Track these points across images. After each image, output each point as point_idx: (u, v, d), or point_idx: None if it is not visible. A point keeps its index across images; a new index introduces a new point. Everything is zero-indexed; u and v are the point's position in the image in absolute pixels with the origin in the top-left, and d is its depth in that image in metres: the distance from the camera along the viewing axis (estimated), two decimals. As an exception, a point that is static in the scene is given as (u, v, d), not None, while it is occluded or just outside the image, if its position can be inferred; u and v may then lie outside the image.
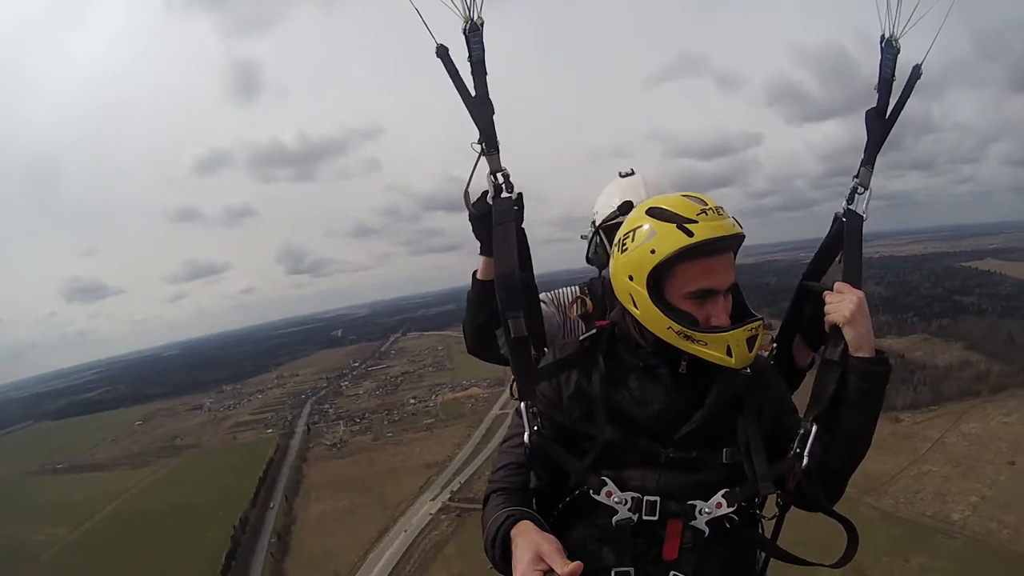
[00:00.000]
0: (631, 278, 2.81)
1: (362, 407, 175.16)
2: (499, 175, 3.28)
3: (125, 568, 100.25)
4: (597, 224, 4.32)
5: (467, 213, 3.46)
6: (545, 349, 3.46)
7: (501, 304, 3.12)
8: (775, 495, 2.88)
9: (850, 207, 3.35)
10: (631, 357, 3.00)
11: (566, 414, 2.98)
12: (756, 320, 2.80)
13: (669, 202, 2.78)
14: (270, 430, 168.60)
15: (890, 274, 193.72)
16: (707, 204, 2.73)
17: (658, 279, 2.76)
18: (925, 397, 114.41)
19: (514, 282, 3.14)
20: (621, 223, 3.49)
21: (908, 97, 3.45)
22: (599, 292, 4.25)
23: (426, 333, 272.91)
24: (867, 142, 3.40)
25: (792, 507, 2.99)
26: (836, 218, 3.42)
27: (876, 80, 3.44)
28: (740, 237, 2.78)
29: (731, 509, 2.73)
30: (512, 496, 2.96)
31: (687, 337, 2.72)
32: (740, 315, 2.87)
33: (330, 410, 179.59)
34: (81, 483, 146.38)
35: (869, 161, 3.37)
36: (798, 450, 2.89)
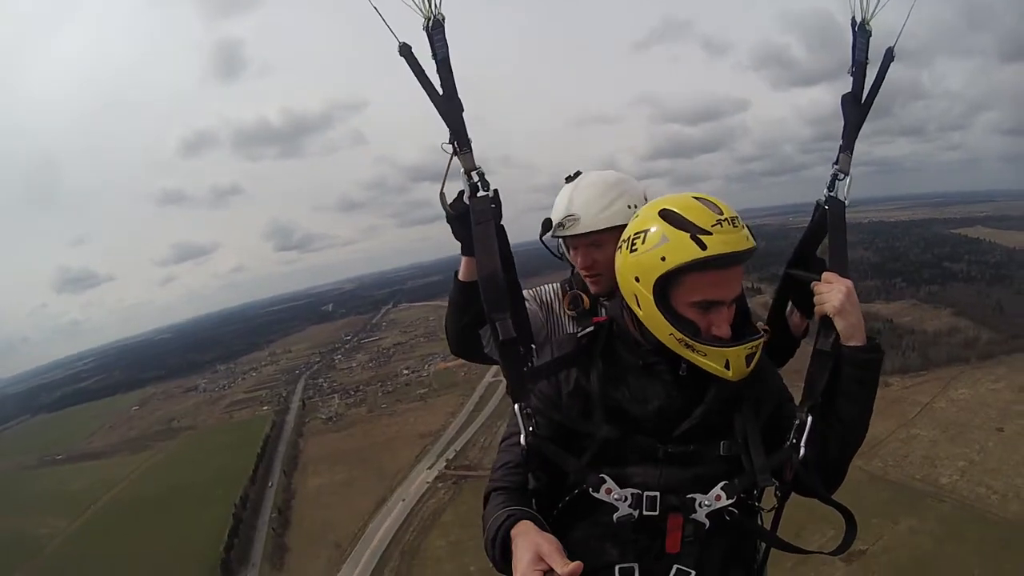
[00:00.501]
0: (637, 279, 2.81)
1: (356, 380, 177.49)
2: (474, 174, 3.25)
3: (129, 554, 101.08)
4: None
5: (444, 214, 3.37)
6: (532, 346, 3.53)
7: (487, 306, 3.10)
8: (774, 486, 2.93)
9: (832, 194, 3.33)
10: (630, 355, 3.02)
11: (565, 412, 3.01)
12: (758, 338, 2.83)
13: (684, 207, 2.75)
14: (265, 407, 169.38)
15: (878, 239, 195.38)
16: (723, 214, 2.71)
17: (665, 285, 2.76)
18: (914, 362, 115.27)
19: (499, 282, 3.12)
20: (571, 234, 3.96)
21: (883, 80, 3.43)
22: (578, 287, 4.26)
23: (416, 304, 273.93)
24: (844, 127, 3.39)
25: (791, 495, 3.01)
26: (818, 206, 3.39)
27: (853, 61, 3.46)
28: (752, 251, 2.76)
29: (730, 501, 2.76)
30: (512, 495, 2.97)
31: (687, 346, 2.75)
32: (742, 324, 2.92)
33: (324, 384, 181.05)
34: (80, 472, 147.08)
35: (848, 147, 3.36)
36: (794, 441, 2.90)
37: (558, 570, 2.32)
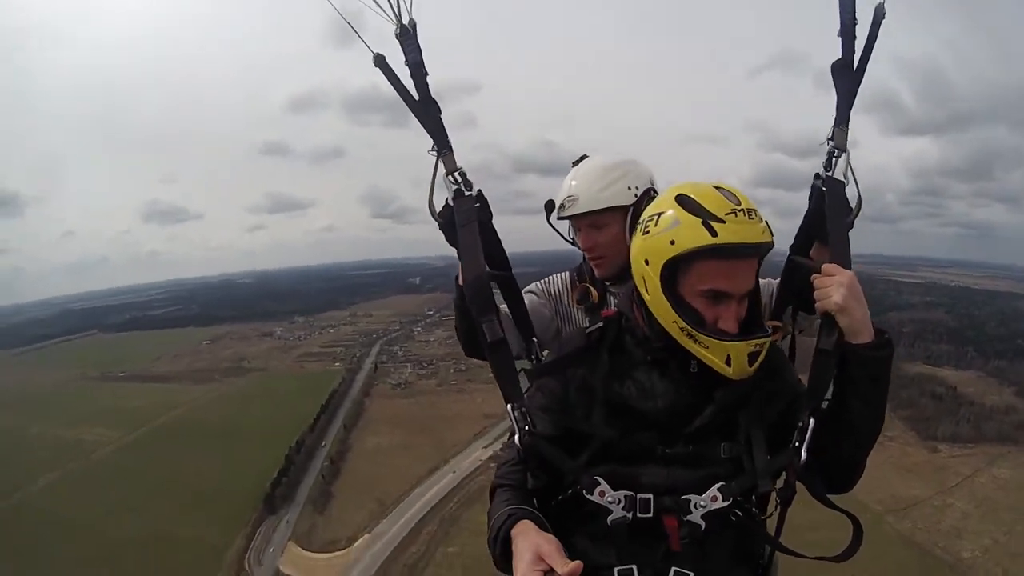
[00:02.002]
0: (647, 262, 2.66)
1: (431, 353, 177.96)
2: (456, 175, 3.21)
3: (176, 473, 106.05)
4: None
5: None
6: (534, 339, 3.68)
7: (473, 309, 3.05)
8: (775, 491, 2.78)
9: (829, 174, 3.02)
10: (639, 351, 2.86)
11: (571, 410, 2.90)
12: (764, 336, 2.65)
13: (701, 193, 2.60)
14: (338, 363, 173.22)
15: (960, 305, 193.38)
16: (740, 204, 2.56)
17: (674, 270, 2.60)
18: (965, 432, 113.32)
19: (484, 285, 3.07)
20: (570, 214, 3.94)
21: (874, 42, 3.09)
22: (589, 277, 4.18)
23: None
24: (838, 99, 3.09)
25: (798, 496, 2.79)
26: (815, 188, 3.09)
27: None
28: (767, 246, 2.61)
29: (726, 503, 2.65)
30: (516, 493, 2.91)
31: (690, 336, 2.60)
32: (750, 324, 2.71)
33: (399, 352, 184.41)
34: (140, 392, 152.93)
35: (843, 120, 3.05)
36: (796, 444, 2.72)
37: (558, 570, 2.32)
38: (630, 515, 2.68)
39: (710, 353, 2.59)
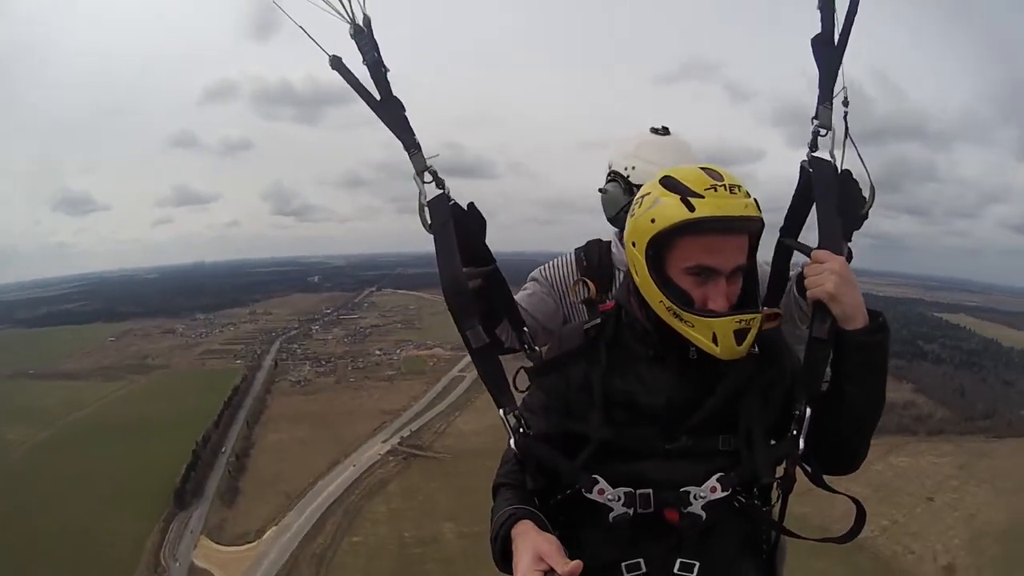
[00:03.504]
0: (634, 245, 2.64)
1: (329, 351, 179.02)
2: (426, 174, 3.06)
3: (92, 470, 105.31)
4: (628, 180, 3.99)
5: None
6: (525, 329, 3.41)
7: (453, 314, 2.89)
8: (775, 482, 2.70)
9: (815, 154, 2.99)
10: (639, 345, 2.81)
11: (571, 409, 2.85)
12: (752, 312, 2.56)
13: (683, 172, 2.58)
14: (239, 361, 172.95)
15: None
16: (722, 180, 2.51)
17: (659, 250, 2.56)
18: None
19: (462, 288, 2.91)
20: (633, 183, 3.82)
21: (855, 16, 2.95)
22: (595, 259, 4.08)
23: (400, 291, 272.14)
24: (820, 75, 3.00)
25: (798, 483, 2.69)
26: (803, 169, 3.03)
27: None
28: (751, 220, 2.54)
29: (726, 493, 2.59)
30: (517, 492, 2.85)
31: (676, 315, 2.54)
32: (744, 303, 2.64)
33: (298, 350, 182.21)
34: (52, 389, 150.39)
35: (826, 98, 2.97)
36: (794, 433, 2.64)
37: (558, 569, 2.29)
38: (631, 511, 2.64)
39: (696, 332, 2.54)
